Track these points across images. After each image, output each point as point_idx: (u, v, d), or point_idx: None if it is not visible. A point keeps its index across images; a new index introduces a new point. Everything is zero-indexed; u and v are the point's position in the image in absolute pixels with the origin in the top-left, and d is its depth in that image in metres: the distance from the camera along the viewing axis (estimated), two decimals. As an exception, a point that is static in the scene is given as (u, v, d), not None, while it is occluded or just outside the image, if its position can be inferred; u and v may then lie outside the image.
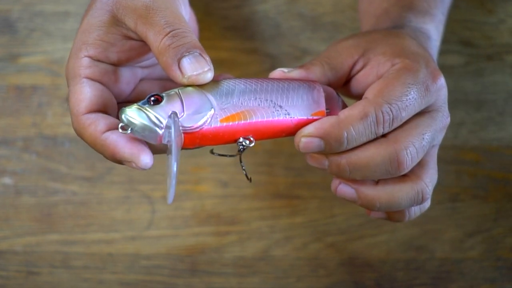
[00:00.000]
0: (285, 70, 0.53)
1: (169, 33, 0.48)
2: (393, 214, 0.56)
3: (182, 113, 0.48)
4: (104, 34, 0.51)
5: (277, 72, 0.53)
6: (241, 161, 0.51)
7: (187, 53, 0.48)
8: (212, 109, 0.49)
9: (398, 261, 0.76)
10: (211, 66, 0.49)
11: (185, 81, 0.49)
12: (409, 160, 0.50)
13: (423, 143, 0.51)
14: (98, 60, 0.51)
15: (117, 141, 0.49)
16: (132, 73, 0.54)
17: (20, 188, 0.76)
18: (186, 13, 0.53)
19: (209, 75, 0.49)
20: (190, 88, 0.49)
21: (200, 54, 0.49)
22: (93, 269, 0.75)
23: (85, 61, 0.51)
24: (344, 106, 0.53)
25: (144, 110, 0.48)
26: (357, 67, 0.54)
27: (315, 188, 0.77)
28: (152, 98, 0.48)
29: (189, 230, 0.76)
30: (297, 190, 0.77)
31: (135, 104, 0.48)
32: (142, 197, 0.76)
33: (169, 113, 0.47)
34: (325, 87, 0.53)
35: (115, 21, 0.51)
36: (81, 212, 0.76)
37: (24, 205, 0.76)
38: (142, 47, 0.52)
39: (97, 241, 0.76)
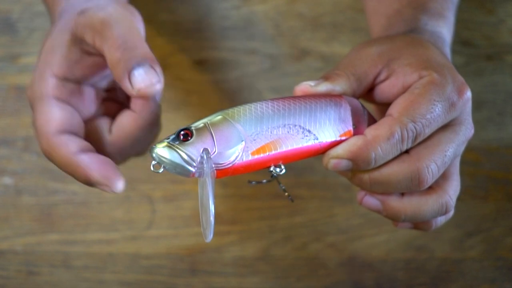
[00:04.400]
0: (312, 83, 0.52)
1: (120, 45, 0.49)
2: (420, 225, 0.56)
3: (214, 150, 0.48)
4: (67, 52, 0.52)
5: (303, 86, 0.52)
6: (279, 183, 0.51)
7: (137, 65, 0.49)
8: (243, 142, 0.48)
9: (398, 261, 0.76)
10: (161, 77, 0.49)
11: (134, 93, 0.49)
12: (430, 177, 0.51)
13: (445, 159, 0.51)
14: (65, 79, 0.52)
15: (91, 164, 0.49)
16: (96, 92, 0.55)
17: (20, 188, 0.76)
18: (141, 26, 0.53)
19: (157, 87, 0.49)
20: (218, 118, 0.49)
21: (151, 66, 0.49)
22: (93, 269, 0.75)
23: (52, 81, 0.51)
24: (370, 117, 0.53)
25: (175, 149, 0.47)
26: (381, 77, 0.54)
27: (315, 188, 0.77)
28: (182, 133, 0.48)
29: (189, 230, 0.76)
30: (297, 190, 0.77)
31: (165, 140, 0.48)
32: (142, 197, 0.76)
33: (201, 151, 0.47)
34: (350, 100, 0.52)
35: (76, 39, 0.51)
36: (81, 212, 0.76)
37: (24, 205, 0.76)
38: (104, 61, 0.52)
39: (97, 241, 0.76)
